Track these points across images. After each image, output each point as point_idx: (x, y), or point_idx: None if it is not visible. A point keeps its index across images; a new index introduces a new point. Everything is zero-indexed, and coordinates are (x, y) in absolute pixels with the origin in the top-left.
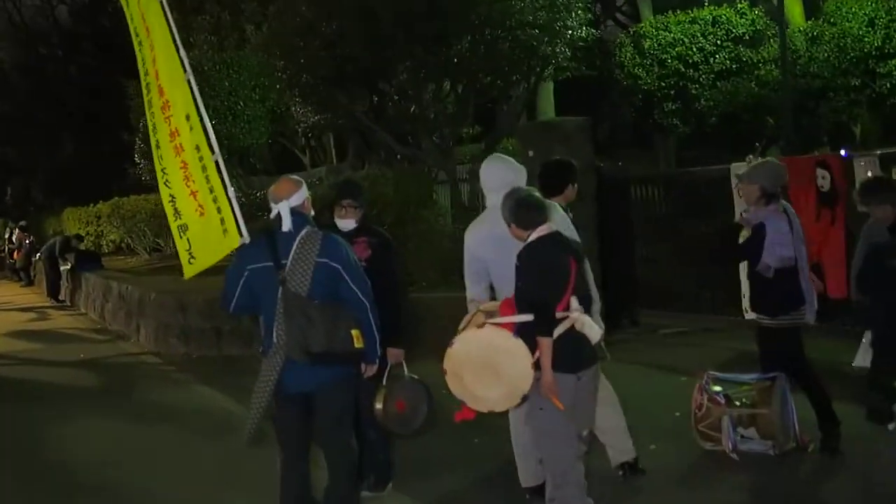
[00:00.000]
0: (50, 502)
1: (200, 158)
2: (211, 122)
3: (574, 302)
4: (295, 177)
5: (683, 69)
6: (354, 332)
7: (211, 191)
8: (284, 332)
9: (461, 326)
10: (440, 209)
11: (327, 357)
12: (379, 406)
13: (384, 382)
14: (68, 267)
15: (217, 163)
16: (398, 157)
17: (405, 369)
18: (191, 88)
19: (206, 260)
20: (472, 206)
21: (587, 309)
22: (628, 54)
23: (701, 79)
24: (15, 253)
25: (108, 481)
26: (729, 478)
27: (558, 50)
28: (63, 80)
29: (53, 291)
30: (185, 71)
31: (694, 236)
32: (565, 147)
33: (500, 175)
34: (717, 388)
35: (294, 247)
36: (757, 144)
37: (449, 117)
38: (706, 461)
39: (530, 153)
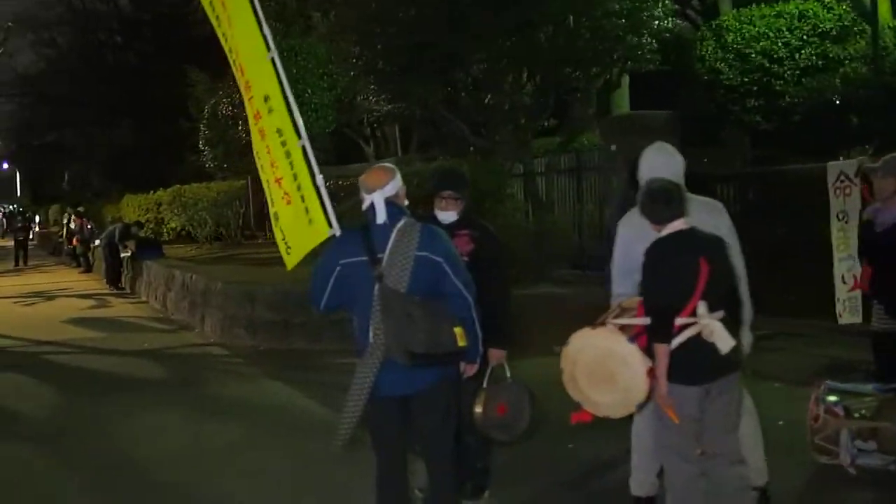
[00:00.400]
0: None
1: (283, 143)
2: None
3: (702, 307)
4: (388, 164)
5: (768, 64)
6: (457, 331)
7: (295, 177)
8: (382, 332)
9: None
10: (516, 203)
11: (429, 357)
12: (479, 410)
13: (485, 385)
14: (129, 254)
15: (304, 148)
16: (471, 148)
17: (507, 371)
18: (275, 68)
19: (300, 250)
20: (550, 201)
21: (733, 316)
22: (710, 48)
23: (786, 74)
24: (74, 239)
25: (182, 482)
26: (850, 495)
27: (644, 41)
28: (122, 66)
29: (113, 278)
30: (268, 49)
31: (780, 236)
32: (650, 142)
33: (664, 165)
34: (834, 399)
35: (391, 239)
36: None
37: (526, 109)
38: (823, 476)
39: (613, 147)
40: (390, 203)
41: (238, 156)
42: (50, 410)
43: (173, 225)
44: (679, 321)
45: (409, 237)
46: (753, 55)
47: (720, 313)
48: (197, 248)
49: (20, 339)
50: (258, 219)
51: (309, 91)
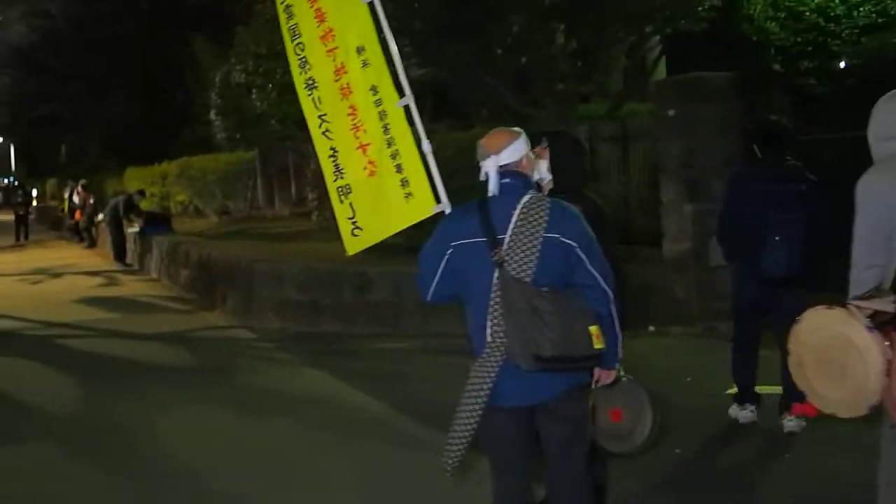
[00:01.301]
0: None
1: (378, 102)
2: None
3: None
4: (512, 128)
5: (823, 23)
6: (593, 330)
7: (389, 143)
8: (503, 330)
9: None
10: None
11: (559, 362)
12: None
13: (593, 386)
14: (136, 229)
15: (407, 108)
16: (509, 115)
17: (620, 368)
18: (373, 13)
19: (377, 231)
20: (594, 171)
21: None
22: (759, 6)
23: (843, 34)
24: (76, 213)
25: (241, 493)
26: None
27: None
28: (117, 37)
29: (119, 254)
30: None
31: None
32: (711, 106)
33: None
34: None
35: (514, 218)
36: None
37: (569, 72)
38: None
39: (670, 112)
40: (510, 173)
41: (252, 125)
42: (73, 405)
43: (181, 198)
44: None
45: (535, 215)
46: (808, 13)
47: None
48: (205, 221)
49: (30, 320)
50: (267, 192)
51: None
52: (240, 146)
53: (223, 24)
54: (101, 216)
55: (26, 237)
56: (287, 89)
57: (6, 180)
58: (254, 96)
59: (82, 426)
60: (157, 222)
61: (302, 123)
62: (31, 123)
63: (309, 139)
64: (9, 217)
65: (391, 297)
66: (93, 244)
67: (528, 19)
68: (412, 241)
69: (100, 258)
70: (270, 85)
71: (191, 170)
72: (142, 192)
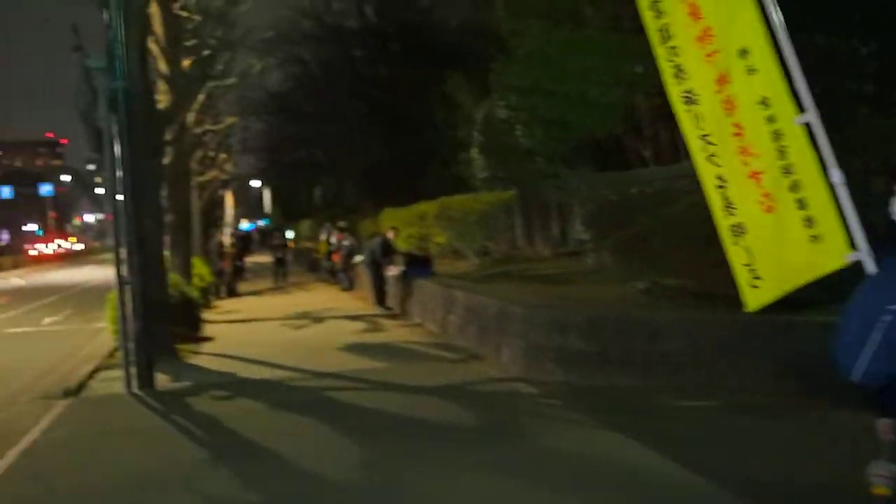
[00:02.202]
0: None
1: (770, 119)
2: (563, 109)
3: None
4: None
5: None
6: None
7: (787, 171)
8: None
9: None
10: None
11: None
12: None
13: None
14: (397, 272)
15: (809, 127)
16: None
17: None
18: (762, 9)
19: (781, 281)
20: None
21: None
22: None
23: None
24: (334, 255)
25: None
26: None
27: None
28: (370, 80)
29: (380, 298)
30: None
31: None
32: None
33: None
34: None
35: None
36: None
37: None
38: None
39: None
40: None
41: (515, 164)
42: (358, 472)
43: (440, 240)
44: None
45: None
46: None
47: None
48: (464, 263)
49: (297, 369)
50: (526, 231)
51: (595, 90)
52: (499, 184)
53: (479, 60)
54: (358, 258)
55: (285, 279)
56: (553, 125)
57: (262, 223)
58: (518, 133)
59: (374, 498)
60: (419, 264)
61: (567, 160)
62: (287, 167)
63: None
64: (267, 259)
65: (687, 348)
66: (351, 286)
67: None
68: None
69: (359, 301)
70: (534, 121)
71: (450, 210)
72: (394, 228)
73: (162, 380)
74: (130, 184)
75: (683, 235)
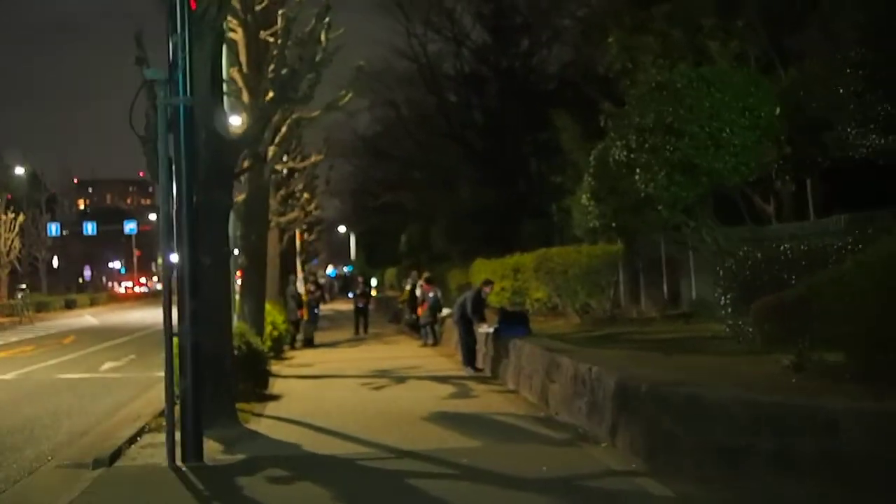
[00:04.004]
0: None
1: None
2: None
3: None
4: None
5: None
6: None
7: None
8: None
9: None
10: None
11: None
12: None
13: None
14: (489, 329)
15: None
16: None
17: None
18: None
19: None
20: None
21: None
22: None
23: None
24: (419, 307)
25: None
26: None
27: None
28: (464, 125)
29: (469, 358)
30: None
31: None
32: None
33: None
34: None
35: None
36: None
37: None
38: None
39: None
40: None
41: (630, 212)
42: None
43: (538, 295)
44: None
45: None
46: None
47: None
48: (564, 321)
49: (373, 444)
50: (631, 288)
51: (727, 130)
52: (604, 236)
53: (582, 103)
54: (444, 311)
55: (366, 330)
56: (677, 168)
57: (345, 269)
58: (637, 177)
59: None
60: (514, 321)
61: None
62: (373, 212)
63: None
64: (346, 306)
65: (873, 449)
66: (436, 342)
67: None
68: None
69: (444, 359)
70: (657, 164)
71: (551, 262)
72: (487, 282)
73: (213, 449)
74: (187, 216)
75: (858, 300)
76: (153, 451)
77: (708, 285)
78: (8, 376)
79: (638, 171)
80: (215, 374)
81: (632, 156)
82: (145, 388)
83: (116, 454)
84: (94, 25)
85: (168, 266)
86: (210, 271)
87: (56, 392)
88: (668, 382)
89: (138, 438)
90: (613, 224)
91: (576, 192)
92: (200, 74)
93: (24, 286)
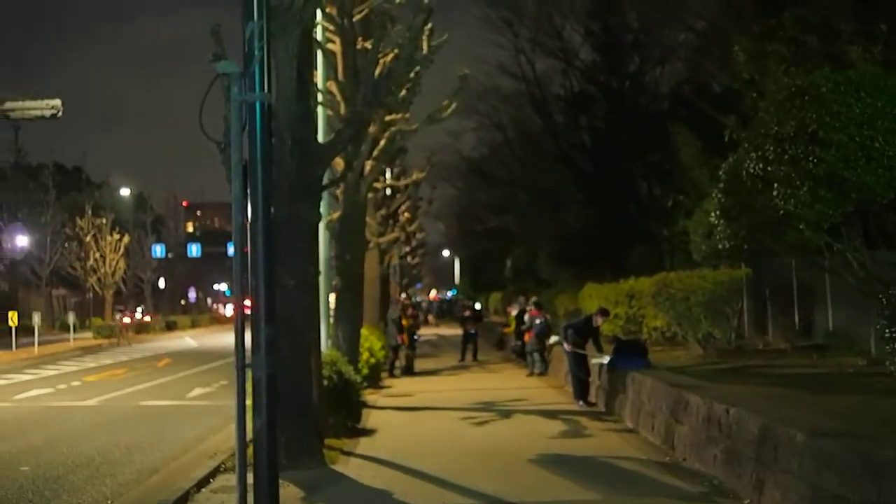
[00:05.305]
0: None
1: None
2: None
3: None
4: None
5: None
6: None
7: None
8: None
9: None
10: None
11: None
12: None
13: None
14: (604, 360)
15: None
16: None
17: None
18: None
19: None
20: None
21: None
22: None
23: None
24: (526, 334)
25: None
26: None
27: None
28: (571, 146)
29: (581, 391)
30: None
31: None
32: None
33: None
34: None
35: None
36: None
37: None
38: None
39: None
40: None
41: (767, 231)
42: None
43: (657, 323)
44: None
45: None
46: None
47: None
48: (685, 353)
49: (474, 492)
50: (757, 317)
51: (880, 140)
52: (725, 260)
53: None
54: (553, 339)
55: (475, 357)
56: (823, 182)
57: (449, 293)
58: (775, 192)
59: None
60: (631, 352)
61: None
62: (478, 236)
63: None
64: (451, 332)
65: None
66: (544, 371)
67: None
68: None
69: (553, 390)
70: (798, 177)
71: (671, 288)
72: (604, 312)
73: (291, 495)
74: (263, 230)
75: None
76: (224, 498)
77: (846, 314)
78: (91, 402)
79: (776, 185)
80: (297, 408)
81: (769, 168)
82: (232, 418)
83: (182, 500)
84: (203, 48)
85: (240, 287)
86: (293, 293)
87: (138, 420)
88: (829, 432)
89: (211, 480)
90: (745, 245)
91: (695, 212)
92: (284, 73)
93: (122, 308)
